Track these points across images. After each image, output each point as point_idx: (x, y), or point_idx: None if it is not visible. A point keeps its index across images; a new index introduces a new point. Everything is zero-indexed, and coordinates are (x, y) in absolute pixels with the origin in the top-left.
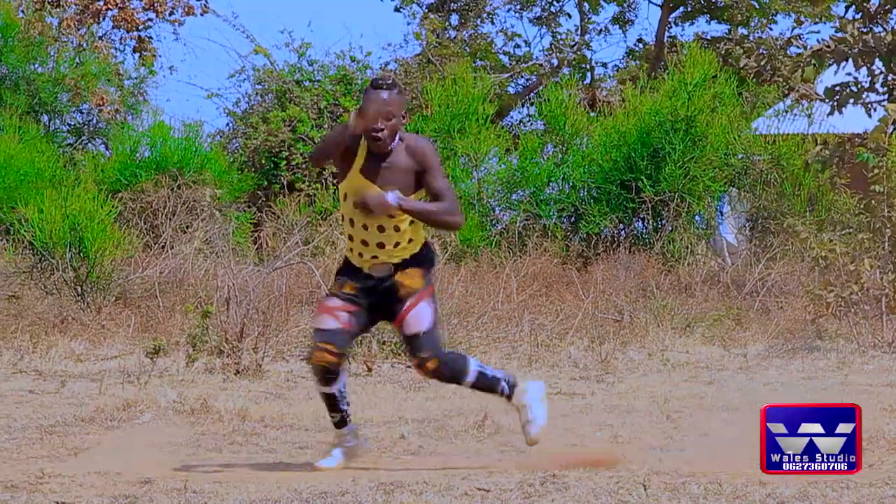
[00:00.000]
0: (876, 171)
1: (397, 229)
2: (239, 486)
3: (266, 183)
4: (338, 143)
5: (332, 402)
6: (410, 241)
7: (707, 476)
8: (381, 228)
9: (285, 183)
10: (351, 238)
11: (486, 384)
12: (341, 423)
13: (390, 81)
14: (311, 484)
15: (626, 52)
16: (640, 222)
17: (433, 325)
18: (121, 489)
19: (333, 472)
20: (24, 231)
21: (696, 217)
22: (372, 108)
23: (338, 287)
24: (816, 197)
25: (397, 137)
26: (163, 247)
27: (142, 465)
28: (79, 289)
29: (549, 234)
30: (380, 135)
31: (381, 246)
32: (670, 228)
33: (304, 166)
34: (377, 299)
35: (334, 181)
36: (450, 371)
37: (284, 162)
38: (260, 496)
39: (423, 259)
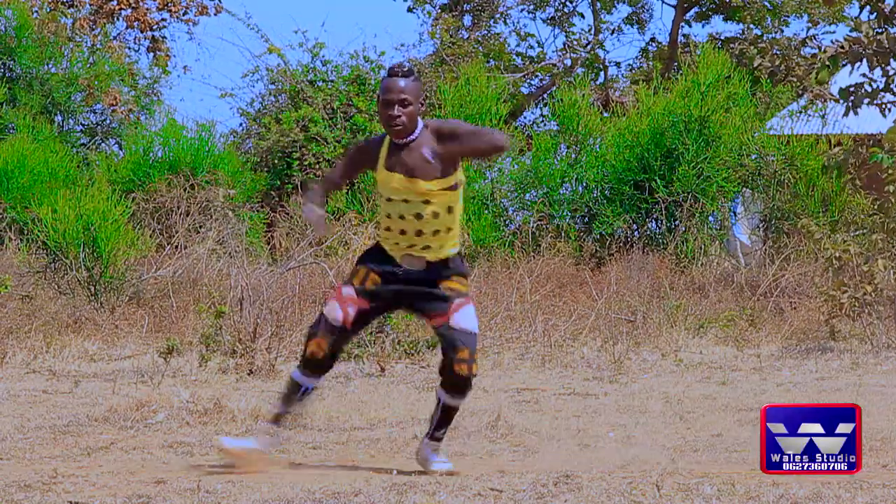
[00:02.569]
0: (891, 171)
1: (436, 215)
2: (252, 486)
3: (279, 183)
4: (355, 162)
5: (293, 396)
6: (449, 230)
7: (720, 476)
8: (418, 216)
9: (298, 183)
10: (389, 229)
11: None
12: (280, 420)
13: (406, 68)
14: (323, 484)
15: (639, 52)
16: (654, 223)
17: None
18: (134, 489)
19: (347, 472)
20: (38, 231)
21: (710, 217)
22: (389, 97)
23: (360, 278)
24: (830, 197)
25: (420, 124)
26: (176, 247)
27: (155, 465)
28: (92, 289)
29: (563, 234)
30: (397, 121)
31: (419, 234)
32: (684, 229)
33: (316, 166)
34: (405, 291)
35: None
36: (471, 384)
37: (297, 162)
38: (273, 496)
39: (462, 267)
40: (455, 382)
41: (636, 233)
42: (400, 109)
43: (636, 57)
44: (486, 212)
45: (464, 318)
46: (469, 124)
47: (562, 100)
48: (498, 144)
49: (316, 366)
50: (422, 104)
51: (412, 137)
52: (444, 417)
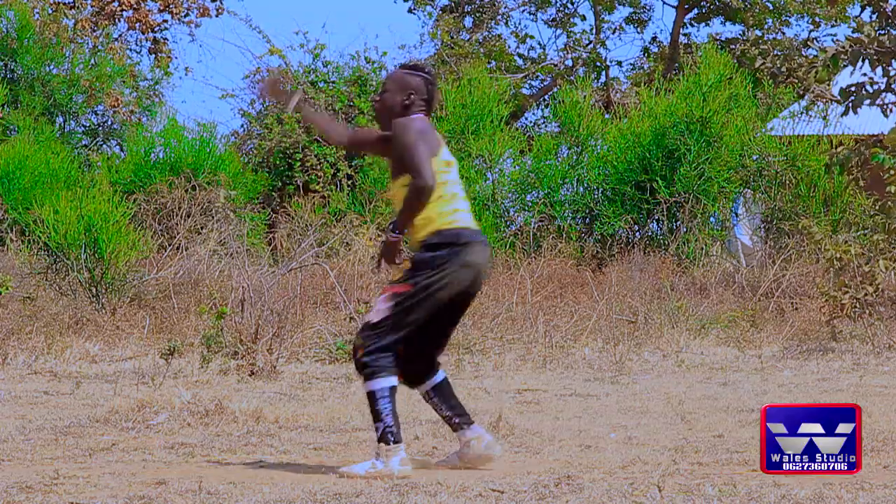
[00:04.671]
0: (892, 172)
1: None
2: (253, 487)
3: (280, 184)
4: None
5: (439, 410)
6: (420, 220)
7: (721, 477)
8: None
9: (300, 184)
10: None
11: (372, 407)
12: (453, 427)
13: (404, 63)
14: (325, 485)
15: (641, 51)
16: (655, 223)
17: (385, 321)
18: (135, 490)
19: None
20: (39, 232)
21: (711, 218)
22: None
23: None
24: (832, 198)
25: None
26: (177, 248)
27: (156, 466)
28: (93, 290)
29: (564, 235)
30: (374, 105)
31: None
32: (685, 230)
33: (318, 167)
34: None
35: (349, 182)
36: (362, 371)
37: (299, 163)
38: (274, 497)
39: (422, 255)
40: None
41: (637, 233)
42: (377, 96)
43: (637, 57)
44: (488, 213)
45: (375, 308)
46: (403, 140)
47: (563, 101)
48: (415, 197)
49: (410, 383)
50: (402, 98)
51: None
52: (370, 403)
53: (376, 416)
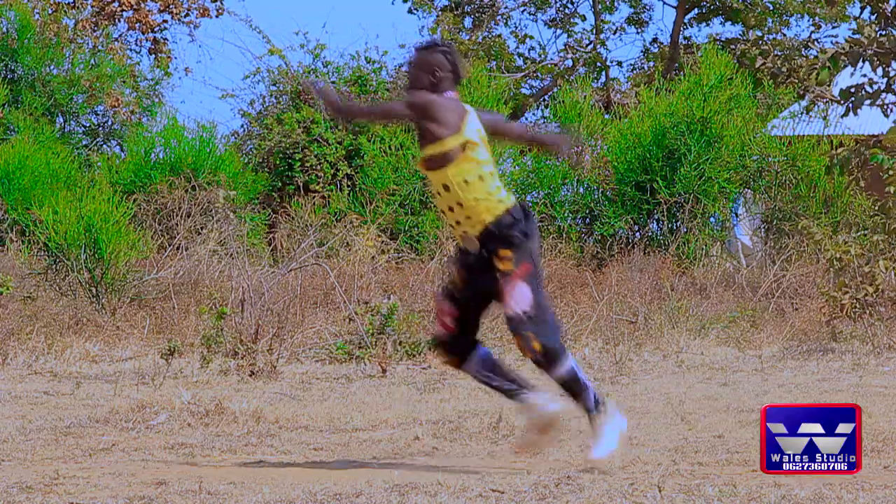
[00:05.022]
0: (891, 172)
1: (447, 188)
2: (253, 487)
3: (280, 184)
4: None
5: (491, 383)
6: (477, 200)
7: (722, 477)
8: (446, 187)
9: (300, 184)
10: (442, 212)
11: (573, 387)
12: (511, 395)
13: (418, 46)
14: (325, 485)
15: (641, 51)
16: (655, 224)
17: (535, 305)
18: (135, 490)
19: (348, 473)
20: (39, 232)
21: (712, 218)
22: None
23: (450, 282)
24: (832, 199)
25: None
26: (177, 248)
27: (156, 466)
28: (93, 290)
29: (564, 235)
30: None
31: (451, 210)
32: (685, 230)
33: (318, 167)
34: (480, 274)
35: (349, 183)
36: (550, 357)
37: (299, 163)
38: (274, 498)
39: (506, 230)
40: (535, 365)
41: (637, 234)
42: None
43: (638, 57)
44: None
45: (515, 300)
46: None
47: (563, 101)
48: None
49: (446, 352)
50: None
51: None
52: (568, 387)
53: (581, 388)
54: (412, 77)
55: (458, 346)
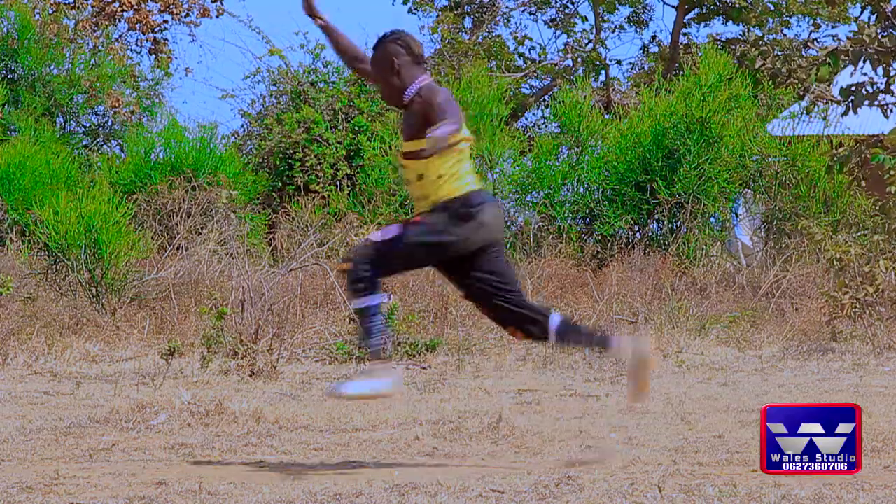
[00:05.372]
0: (892, 172)
1: (420, 178)
2: (254, 487)
3: (281, 184)
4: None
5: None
6: (447, 185)
7: (722, 477)
8: (420, 177)
9: (300, 184)
10: (413, 199)
11: (362, 322)
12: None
13: (378, 38)
14: (325, 486)
15: (641, 51)
16: (655, 224)
17: (381, 244)
18: (136, 490)
19: (348, 474)
20: (40, 232)
21: (712, 219)
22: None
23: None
24: (832, 198)
25: (412, 88)
26: (177, 248)
27: (156, 466)
28: (94, 290)
29: (564, 235)
30: (382, 94)
31: (425, 198)
32: (685, 230)
33: (318, 167)
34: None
35: (349, 183)
36: (350, 282)
37: (299, 163)
38: (274, 498)
39: (450, 208)
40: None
41: (638, 234)
42: (377, 80)
43: (637, 57)
44: None
45: (381, 230)
46: (442, 99)
47: (563, 101)
48: (445, 137)
49: (533, 339)
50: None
51: (406, 101)
52: (360, 319)
53: (368, 330)
54: (379, 77)
55: (536, 328)
